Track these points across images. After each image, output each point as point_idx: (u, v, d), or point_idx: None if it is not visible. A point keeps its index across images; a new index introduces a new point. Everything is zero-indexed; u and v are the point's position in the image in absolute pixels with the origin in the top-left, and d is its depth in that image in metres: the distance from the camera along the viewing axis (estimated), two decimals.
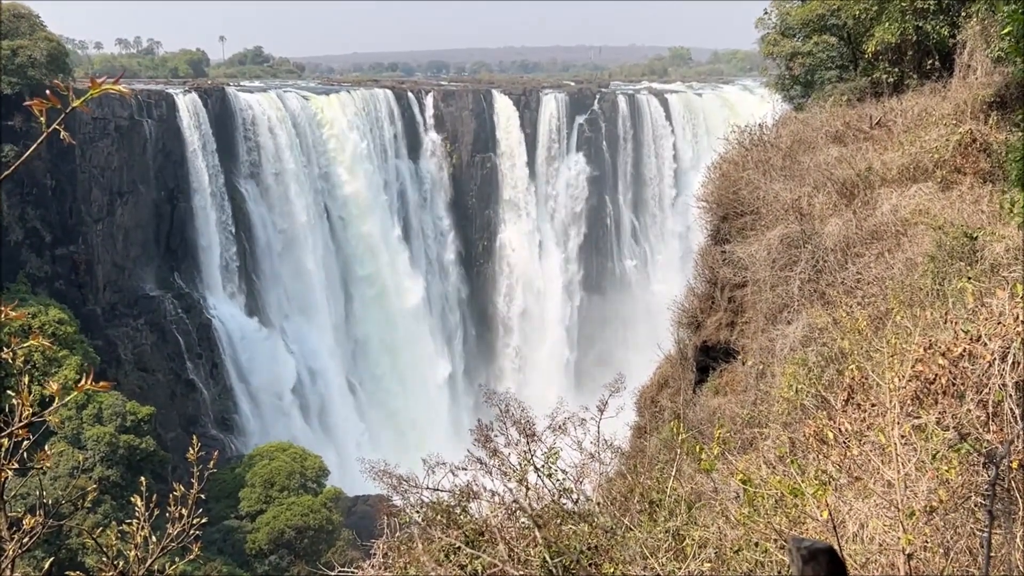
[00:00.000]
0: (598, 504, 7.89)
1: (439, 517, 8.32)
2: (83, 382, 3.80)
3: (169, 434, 60.32)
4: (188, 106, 68.18)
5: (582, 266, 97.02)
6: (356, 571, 8.96)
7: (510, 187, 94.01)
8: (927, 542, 5.07)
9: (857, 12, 23.51)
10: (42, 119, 2.94)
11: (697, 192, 25.14)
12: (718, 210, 22.38)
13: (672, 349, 24.82)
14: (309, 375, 72.97)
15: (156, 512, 5.43)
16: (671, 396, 23.01)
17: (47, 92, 2.90)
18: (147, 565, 5.13)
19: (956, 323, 6.46)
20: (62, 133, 3.03)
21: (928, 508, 5.08)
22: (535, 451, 8.42)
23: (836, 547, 3.12)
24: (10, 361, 4.21)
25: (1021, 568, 5.05)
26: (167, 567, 5.46)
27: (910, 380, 5.99)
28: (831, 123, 21.61)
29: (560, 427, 9.01)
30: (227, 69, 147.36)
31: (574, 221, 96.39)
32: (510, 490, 8.10)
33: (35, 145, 3.39)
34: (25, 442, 4.15)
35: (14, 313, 3.77)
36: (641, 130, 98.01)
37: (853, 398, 6.44)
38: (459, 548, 7.53)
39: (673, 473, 7.98)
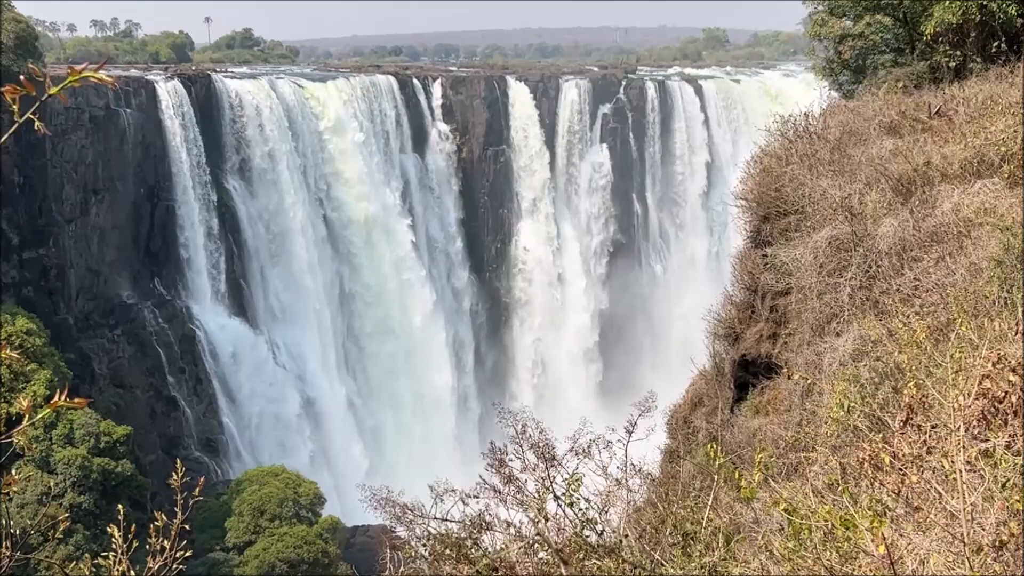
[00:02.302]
0: (626, 536, 7.87)
1: (448, 551, 8.33)
2: (56, 398, 3.82)
3: (148, 457, 60.71)
4: (170, 94, 68.83)
5: (606, 271, 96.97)
6: None
7: (526, 184, 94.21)
8: None
9: None
10: (14, 108, 2.97)
11: (735, 189, 25.08)
12: (758, 209, 22.32)
13: (707, 364, 24.73)
14: (303, 392, 73.27)
15: (135, 544, 5.46)
16: (706, 416, 22.92)
17: (21, 78, 2.94)
18: None
19: None
20: (36, 123, 3.05)
21: (997, 543, 5.04)
22: (555, 477, 8.41)
23: None
24: None
25: None
26: None
27: (976, 399, 5.95)
28: (885, 112, 21.52)
29: (584, 450, 9.00)
30: (213, 53, 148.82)
31: (597, 221, 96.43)
32: (530, 521, 8.10)
33: (5, 136, 3.42)
34: None
35: None
36: (672, 120, 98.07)
37: (912, 419, 6.40)
38: None
39: (709, 502, 7.95)
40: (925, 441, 6.16)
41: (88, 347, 63.33)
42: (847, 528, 5.38)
